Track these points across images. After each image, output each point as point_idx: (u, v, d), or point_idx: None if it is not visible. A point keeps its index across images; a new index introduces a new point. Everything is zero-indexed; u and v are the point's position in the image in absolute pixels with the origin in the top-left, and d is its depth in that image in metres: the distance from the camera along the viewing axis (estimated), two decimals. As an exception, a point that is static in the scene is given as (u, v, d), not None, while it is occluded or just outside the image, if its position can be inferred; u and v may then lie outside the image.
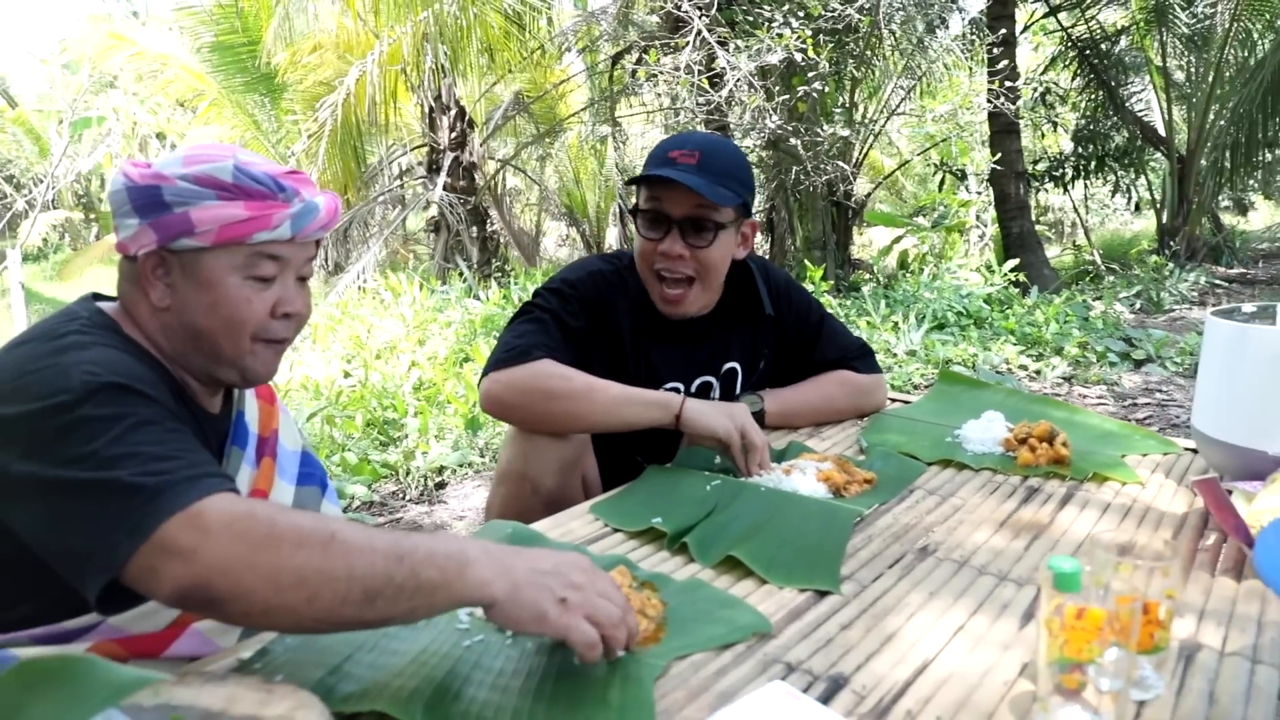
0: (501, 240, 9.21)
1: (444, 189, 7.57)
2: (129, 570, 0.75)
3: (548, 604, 0.77)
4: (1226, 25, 8.64)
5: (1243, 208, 15.01)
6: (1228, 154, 8.59)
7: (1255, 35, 8.80)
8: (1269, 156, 8.95)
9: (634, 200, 1.51)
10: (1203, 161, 8.71)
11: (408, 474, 3.42)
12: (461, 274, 7.39)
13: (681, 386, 1.58)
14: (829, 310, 1.81)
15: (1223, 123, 8.38)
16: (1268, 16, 8.74)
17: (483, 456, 3.60)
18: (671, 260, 1.45)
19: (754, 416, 1.44)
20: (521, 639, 0.88)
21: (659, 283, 1.49)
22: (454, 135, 7.71)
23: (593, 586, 0.81)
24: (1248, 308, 1.36)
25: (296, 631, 0.80)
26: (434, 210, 7.87)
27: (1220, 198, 10.80)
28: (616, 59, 7.97)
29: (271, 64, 8.40)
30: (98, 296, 1.03)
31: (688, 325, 1.57)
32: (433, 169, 7.82)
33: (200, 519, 0.75)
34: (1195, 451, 1.47)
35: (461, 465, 3.51)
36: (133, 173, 0.95)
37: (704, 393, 1.61)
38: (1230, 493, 1.16)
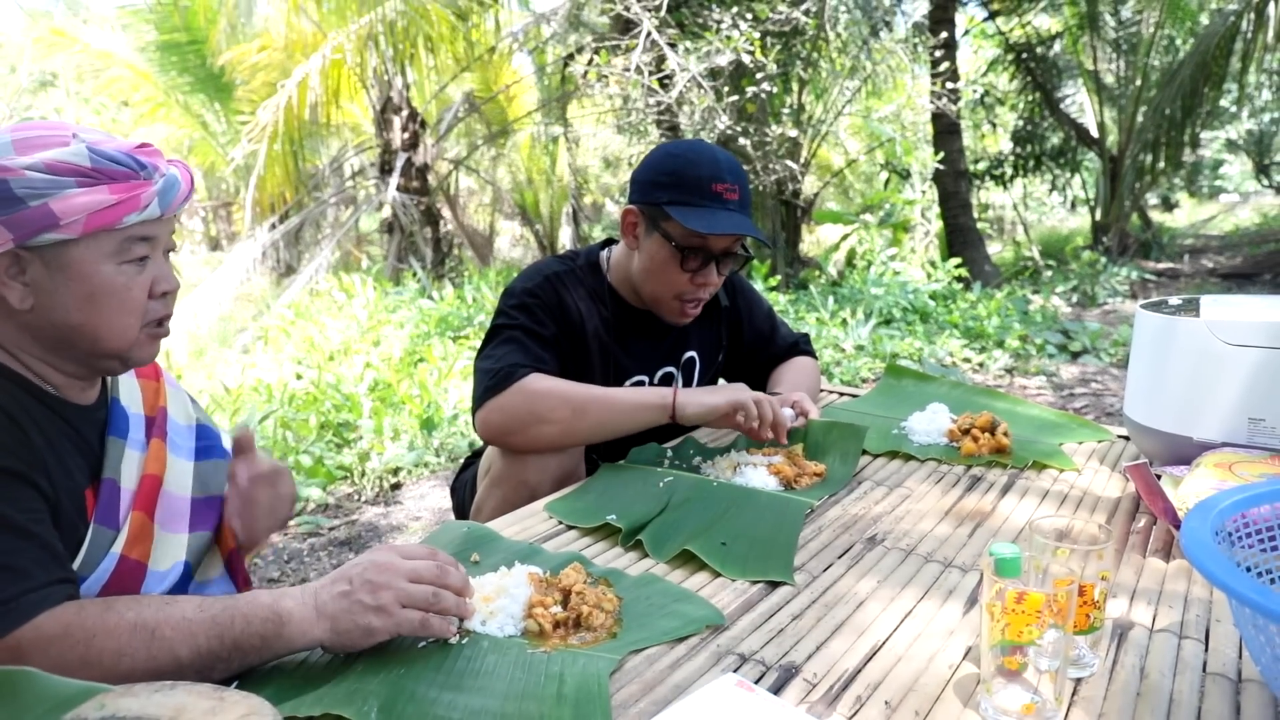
0: (455, 240, 9.10)
1: (397, 190, 7.45)
2: None
3: (369, 619, 0.82)
4: (1151, 31, 9.01)
5: (1169, 205, 15.61)
6: (1149, 154, 8.95)
7: (1177, 41, 9.20)
8: (1191, 156, 9.33)
9: (659, 220, 1.46)
10: (1130, 160, 9.06)
11: (363, 475, 3.37)
12: (415, 274, 7.30)
13: (645, 379, 1.60)
14: (776, 306, 1.87)
15: (1150, 124, 8.71)
16: (1188, 24, 9.15)
17: (438, 456, 3.56)
18: (708, 288, 1.51)
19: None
20: (476, 637, 0.88)
21: (679, 302, 1.53)
22: (406, 136, 7.61)
23: (395, 576, 0.85)
24: (1174, 301, 1.42)
25: None
26: (387, 211, 7.75)
27: (1149, 195, 11.21)
28: (567, 60, 7.95)
29: (219, 64, 8.19)
30: None
31: (650, 318, 1.59)
32: (385, 170, 7.69)
33: (15, 651, 0.73)
34: (1128, 438, 1.53)
35: (417, 465, 3.47)
36: None
37: (666, 383, 1.64)
38: (1159, 477, 1.21)
